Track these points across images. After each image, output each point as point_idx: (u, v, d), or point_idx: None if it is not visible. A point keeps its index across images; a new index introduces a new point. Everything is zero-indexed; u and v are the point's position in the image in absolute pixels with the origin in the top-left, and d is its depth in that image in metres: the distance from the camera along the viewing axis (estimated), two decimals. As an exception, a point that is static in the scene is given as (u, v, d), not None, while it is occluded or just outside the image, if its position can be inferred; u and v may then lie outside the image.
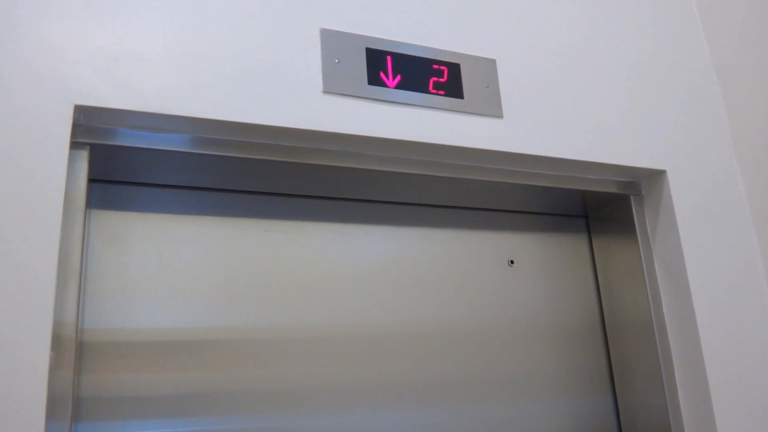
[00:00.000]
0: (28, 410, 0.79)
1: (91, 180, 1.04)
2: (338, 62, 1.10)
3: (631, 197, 1.39)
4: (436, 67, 1.18)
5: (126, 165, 1.08)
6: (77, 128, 0.94)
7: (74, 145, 0.93)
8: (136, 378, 1.05)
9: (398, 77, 1.14)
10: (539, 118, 1.24)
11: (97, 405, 1.02)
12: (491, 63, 1.23)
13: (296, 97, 1.05)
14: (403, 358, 1.25)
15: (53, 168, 0.88)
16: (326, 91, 1.07)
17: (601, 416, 1.40)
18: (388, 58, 1.14)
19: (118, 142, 0.99)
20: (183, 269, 1.13)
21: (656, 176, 1.35)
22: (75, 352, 0.90)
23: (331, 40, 1.11)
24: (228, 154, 1.05)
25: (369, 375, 1.22)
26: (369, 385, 1.21)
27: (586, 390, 1.40)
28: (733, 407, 1.22)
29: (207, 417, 1.08)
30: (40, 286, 0.83)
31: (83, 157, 0.96)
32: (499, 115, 1.20)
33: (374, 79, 1.12)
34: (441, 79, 1.17)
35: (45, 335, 0.82)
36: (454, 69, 1.19)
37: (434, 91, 1.16)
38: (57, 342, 0.86)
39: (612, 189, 1.37)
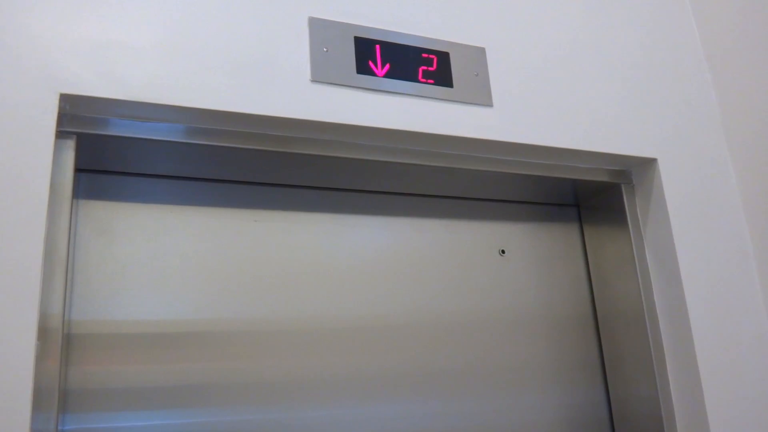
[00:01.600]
0: (14, 401, 0.79)
1: (79, 170, 1.03)
2: (326, 51, 1.09)
3: (622, 186, 1.39)
4: (425, 55, 1.17)
5: (113, 155, 1.07)
6: (63, 117, 0.94)
7: (60, 134, 0.93)
8: (124, 370, 1.05)
9: (387, 66, 1.13)
10: (529, 107, 1.23)
11: (85, 397, 1.01)
12: (481, 51, 1.22)
13: (284, 86, 1.04)
14: (393, 349, 1.25)
15: (39, 158, 0.87)
16: (314, 80, 1.07)
17: (593, 406, 1.40)
18: (377, 46, 1.14)
19: (105, 131, 0.98)
20: (171, 260, 1.13)
21: (647, 165, 1.35)
22: (62, 343, 0.89)
23: (319, 28, 1.10)
24: (216, 144, 1.04)
25: (359, 366, 1.21)
26: (359, 376, 1.21)
27: (578, 380, 1.40)
28: (724, 397, 1.22)
29: (196, 409, 1.08)
30: (25, 278, 0.83)
31: (70, 146, 0.95)
32: (488, 104, 1.19)
33: (363, 68, 1.11)
34: (430, 68, 1.17)
35: (31, 327, 0.82)
36: (444, 57, 1.18)
37: (423, 80, 1.15)
38: (43, 334, 0.86)
39: (603, 178, 1.37)
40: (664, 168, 1.33)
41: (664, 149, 1.34)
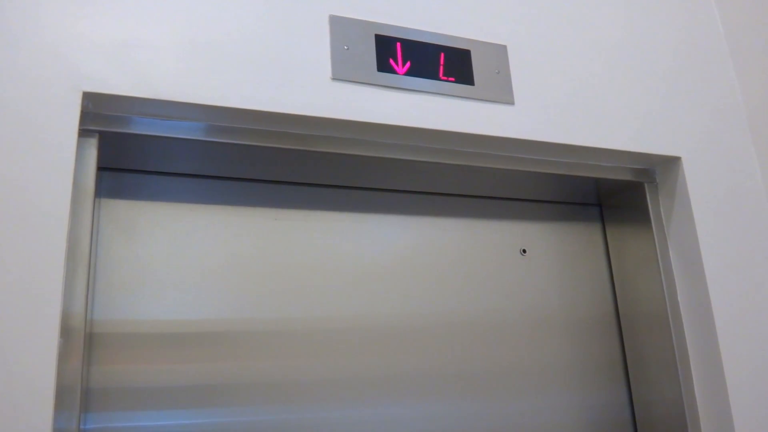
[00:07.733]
0: (37, 400, 0.79)
1: (101, 168, 1.03)
2: (347, 49, 1.09)
3: (646, 185, 1.37)
4: (446, 53, 1.16)
5: (135, 153, 1.07)
6: (86, 116, 0.94)
7: (83, 132, 0.93)
8: (146, 369, 1.05)
9: (408, 64, 1.13)
10: (551, 105, 1.22)
11: (107, 396, 1.01)
12: (502, 49, 1.21)
13: (305, 84, 1.04)
14: (414, 350, 1.24)
15: (62, 156, 0.87)
16: (335, 78, 1.06)
17: (616, 408, 1.38)
18: (398, 44, 1.13)
19: (128, 129, 0.98)
20: (193, 258, 1.13)
21: (671, 163, 1.33)
22: (84, 342, 0.89)
23: (340, 26, 1.10)
24: (237, 142, 1.04)
25: (379, 367, 1.21)
26: (379, 377, 1.20)
27: (600, 382, 1.39)
28: (749, 399, 1.20)
29: (216, 409, 1.07)
30: (48, 277, 0.83)
31: (92, 144, 0.95)
32: (510, 102, 1.18)
33: (384, 66, 1.11)
34: (451, 66, 1.16)
35: (54, 326, 0.82)
36: (465, 55, 1.18)
37: (444, 78, 1.15)
38: (66, 333, 0.86)
39: (626, 176, 1.35)
40: (688, 167, 1.31)
41: (688, 147, 1.32)
